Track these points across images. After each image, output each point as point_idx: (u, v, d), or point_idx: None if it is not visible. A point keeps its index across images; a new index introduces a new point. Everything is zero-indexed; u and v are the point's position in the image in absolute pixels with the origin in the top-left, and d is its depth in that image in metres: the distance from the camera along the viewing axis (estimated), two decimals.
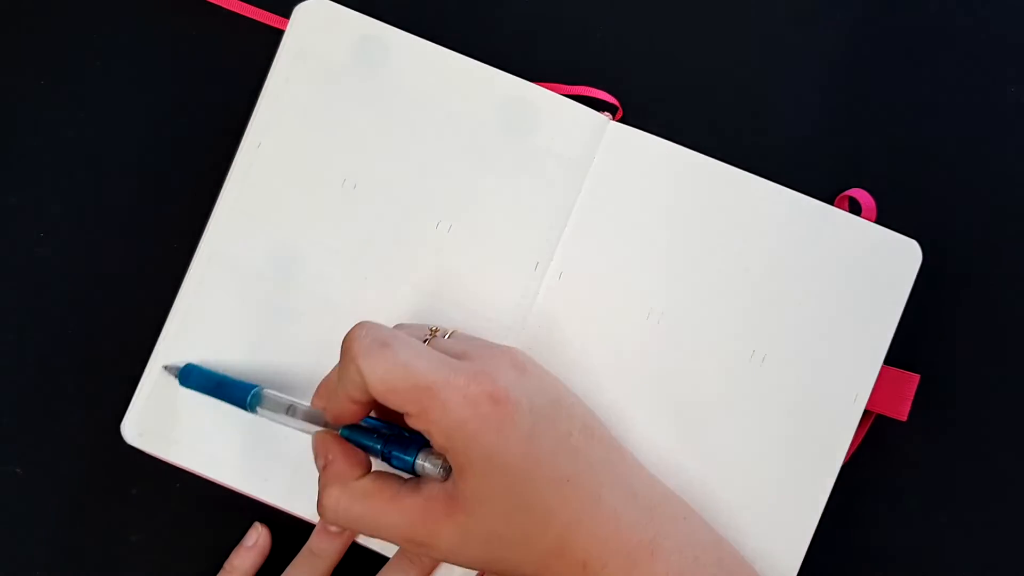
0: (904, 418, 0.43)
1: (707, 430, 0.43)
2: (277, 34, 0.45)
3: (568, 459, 0.37)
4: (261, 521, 0.45)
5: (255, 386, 0.42)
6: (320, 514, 0.38)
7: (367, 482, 0.38)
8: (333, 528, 0.43)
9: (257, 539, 0.45)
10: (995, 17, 0.47)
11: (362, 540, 0.44)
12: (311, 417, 0.40)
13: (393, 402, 0.35)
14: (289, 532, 0.45)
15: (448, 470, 0.37)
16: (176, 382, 0.43)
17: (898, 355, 0.43)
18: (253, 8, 0.46)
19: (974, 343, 0.46)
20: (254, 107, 0.44)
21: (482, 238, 0.44)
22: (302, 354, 0.44)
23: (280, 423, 0.41)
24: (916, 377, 0.43)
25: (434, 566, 0.43)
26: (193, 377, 0.43)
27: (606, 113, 0.45)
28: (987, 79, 0.47)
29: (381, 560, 0.43)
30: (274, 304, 0.44)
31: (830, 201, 0.45)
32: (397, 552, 0.43)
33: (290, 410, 0.40)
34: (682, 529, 0.39)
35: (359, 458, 0.38)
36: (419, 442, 0.38)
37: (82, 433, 0.46)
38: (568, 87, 0.46)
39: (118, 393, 0.45)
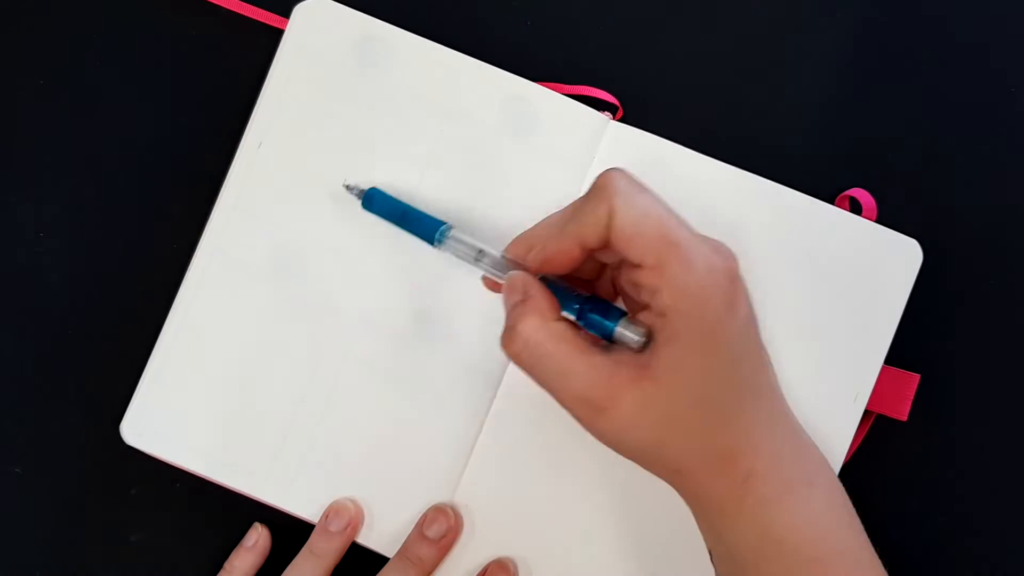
0: (904, 418, 0.43)
1: None
2: (277, 34, 0.45)
3: (760, 370, 0.37)
4: (261, 521, 0.45)
5: (443, 223, 0.41)
6: (508, 344, 0.36)
7: (564, 326, 0.36)
8: (334, 527, 0.43)
9: (257, 539, 0.45)
10: (995, 17, 0.47)
11: (362, 540, 0.44)
12: (500, 264, 0.39)
13: (634, 248, 0.34)
14: (289, 532, 0.45)
15: (646, 342, 0.35)
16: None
17: (898, 355, 0.43)
18: (253, 8, 0.46)
19: (974, 343, 0.46)
20: (254, 107, 0.44)
21: (482, 238, 0.44)
22: (302, 353, 0.44)
23: (466, 261, 0.40)
24: (916, 377, 0.44)
25: (433, 567, 0.43)
26: (376, 202, 0.42)
27: (606, 113, 0.45)
28: (987, 79, 0.47)
29: (381, 560, 0.43)
30: (274, 303, 0.44)
31: (830, 201, 0.45)
32: (397, 552, 0.43)
33: (479, 255, 0.39)
34: (828, 475, 0.39)
35: (557, 305, 0.37)
36: (617, 310, 0.36)
37: (82, 433, 0.46)
38: (568, 87, 0.46)
39: (118, 393, 0.45)
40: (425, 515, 0.43)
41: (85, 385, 0.46)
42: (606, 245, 0.35)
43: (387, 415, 0.44)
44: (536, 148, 0.44)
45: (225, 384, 0.44)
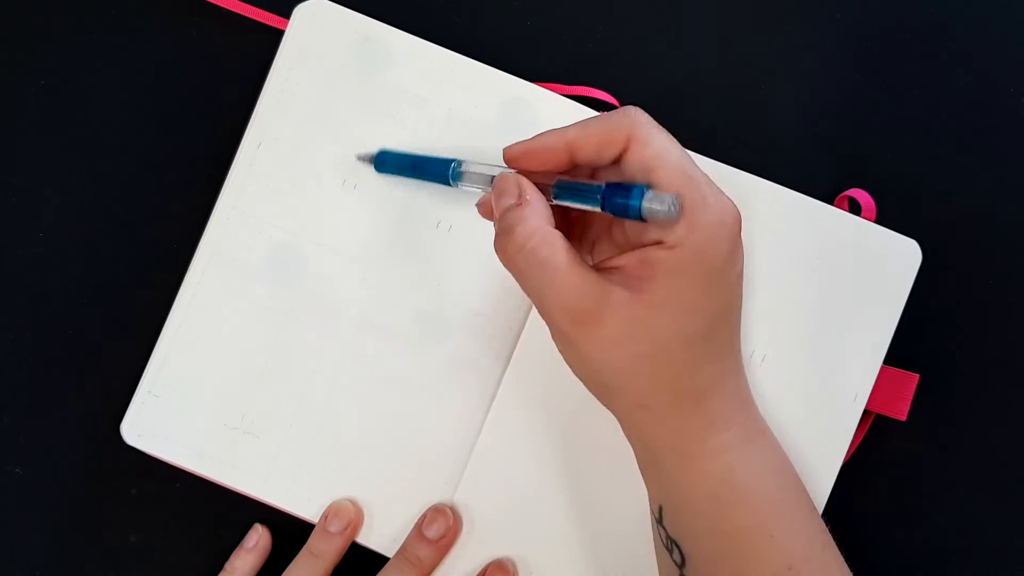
0: (904, 418, 0.43)
1: None
2: (277, 34, 0.45)
3: (738, 323, 0.37)
4: (261, 521, 0.45)
5: (454, 160, 0.40)
6: (503, 247, 0.35)
7: (560, 235, 0.35)
8: (333, 528, 0.43)
9: (257, 540, 0.45)
10: (995, 18, 0.47)
11: (361, 540, 0.44)
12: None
13: (654, 178, 0.34)
14: (289, 532, 0.45)
15: (678, 209, 0.33)
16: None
17: (898, 355, 0.43)
18: (253, 8, 0.46)
19: (973, 343, 0.46)
20: (254, 107, 0.44)
21: (482, 238, 0.44)
22: (301, 353, 0.44)
23: (484, 188, 0.39)
24: (916, 377, 0.44)
25: (432, 568, 0.43)
26: (388, 161, 0.42)
27: None
28: (987, 80, 0.47)
29: (381, 560, 0.43)
30: (274, 303, 0.44)
31: (830, 201, 0.45)
32: (397, 553, 0.43)
33: (493, 180, 0.38)
34: (770, 432, 0.39)
35: (551, 213, 0.36)
36: (639, 187, 0.34)
37: (82, 433, 0.46)
38: (568, 87, 0.46)
39: (118, 393, 0.45)
40: (424, 515, 0.43)
41: (85, 385, 0.46)
42: (594, 165, 0.36)
43: (387, 415, 0.44)
44: None
45: (225, 384, 0.44)
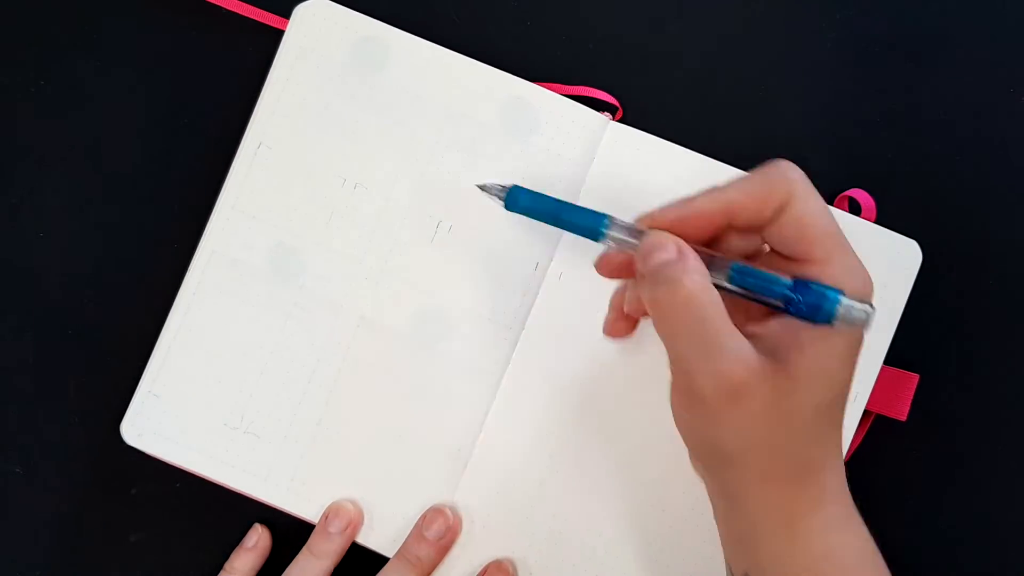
0: (904, 418, 0.43)
1: None
2: (277, 34, 0.45)
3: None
4: (261, 521, 0.45)
5: (604, 215, 0.36)
6: (664, 299, 0.33)
7: (720, 295, 0.33)
8: (333, 528, 0.43)
9: (257, 540, 0.45)
10: (996, 19, 0.47)
11: (361, 540, 0.44)
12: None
13: (805, 240, 0.33)
14: (289, 532, 0.45)
15: (871, 317, 0.33)
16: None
17: (897, 355, 0.43)
18: (253, 8, 0.46)
19: (974, 343, 0.46)
20: (254, 107, 0.44)
21: (482, 238, 0.44)
22: (301, 353, 0.44)
23: (624, 248, 0.36)
24: (916, 377, 0.44)
25: (432, 568, 0.43)
26: (522, 200, 0.37)
27: (606, 113, 0.45)
28: (988, 80, 0.47)
29: (381, 560, 0.43)
30: (273, 303, 0.44)
31: (830, 201, 0.45)
32: (397, 553, 0.43)
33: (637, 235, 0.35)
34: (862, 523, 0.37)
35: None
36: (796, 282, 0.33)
37: (82, 433, 0.46)
38: (568, 87, 0.46)
39: (118, 393, 0.45)
40: (424, 515, 0.43)
41: (85, 385, 0.46)
42: (751, 227, 0.34)
43: (387, 415, 0.44)
44: (536, 149, 0.44)
45: (225, 384, 0.44)
